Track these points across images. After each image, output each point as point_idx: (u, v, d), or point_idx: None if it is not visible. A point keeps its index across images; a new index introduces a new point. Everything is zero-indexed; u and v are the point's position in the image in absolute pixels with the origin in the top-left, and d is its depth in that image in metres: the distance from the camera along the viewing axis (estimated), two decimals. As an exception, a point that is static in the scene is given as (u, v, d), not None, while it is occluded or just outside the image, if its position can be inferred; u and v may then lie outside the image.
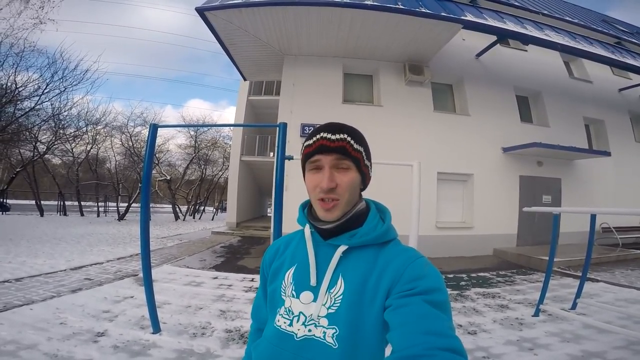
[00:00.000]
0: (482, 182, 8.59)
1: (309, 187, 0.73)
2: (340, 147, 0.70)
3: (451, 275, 5.97)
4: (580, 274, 4.16)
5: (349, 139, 0.71)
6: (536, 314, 3.81)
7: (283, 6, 6.77)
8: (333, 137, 0.70)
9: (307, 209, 0.81)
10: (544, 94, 9.84)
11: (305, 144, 0.74)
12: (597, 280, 5.60)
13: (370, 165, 0.78)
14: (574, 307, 4.01)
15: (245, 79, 11.37)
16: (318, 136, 0.72)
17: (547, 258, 4.14)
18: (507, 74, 9.59)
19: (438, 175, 8.29)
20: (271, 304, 0.79)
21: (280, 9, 6.83)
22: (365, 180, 0.77)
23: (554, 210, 3.88)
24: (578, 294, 3.99)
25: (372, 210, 0.77)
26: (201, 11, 6.87)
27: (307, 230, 0.78)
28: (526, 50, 9.91)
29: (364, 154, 0.74)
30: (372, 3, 6.66)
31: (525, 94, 9.97)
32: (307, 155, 0.73)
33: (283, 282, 0.77)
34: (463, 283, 5.48)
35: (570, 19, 10.26)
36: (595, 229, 4.05)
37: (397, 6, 6.73)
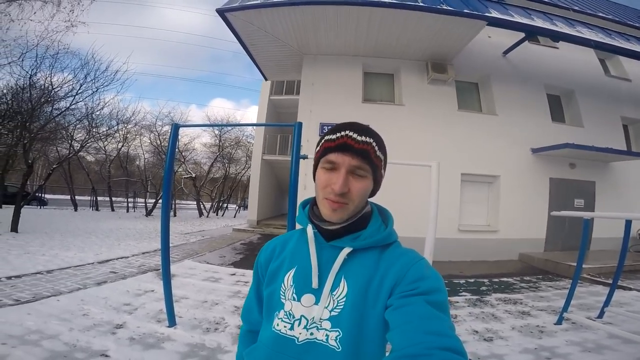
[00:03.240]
0: (509, 184, 8.28)
1: (320, 184, 0.71)
2: (364, 150, 0.67)
3: (472, 280, 5.80)
4: (611, 282, 3.93)
5: (374, 144, 0.69)
6: (559, 322, 3.64)
7: (301, 6, 6.80)
8: (359, 138, 0.68)
9: (307, 208, 0.79)
10: (578, 93, 9.37)
11: (327, 138, 0.71)
12: (630, 289, 5.29)
13: (384, 173, 0.77)
14: (601, 315, 3.81)
15: (266, 79, 11.53)
16: (343, 133, 0.69)
17: (575, 264, 3.94)
18: (537, 72, 9.21)
19: (462, 177, 8.08)
20: (268, 308, 0.77)
21: (298, 8, 6.86)
22: (377, 187, 0.75)
23: (585, 215, 3.69)
24: (607, 302, 3.78)
25: (374, 212, 0.77)
26: (222, 12, 7.02)
27: (310, 230, 0.75)
28: (557, 48, 9.47)
29: (383, 162, 0.72)
30: (390, 0, 6.55)
31: (557, 93, 9.54)
32: (327, 150, 0.70)
33: (282, 285, 0.75)
34: (484, 288, 5.31)
35: (604, 15, 9.69)
36: (630, 235, 3.82)
37: (417, 3, 6.60)
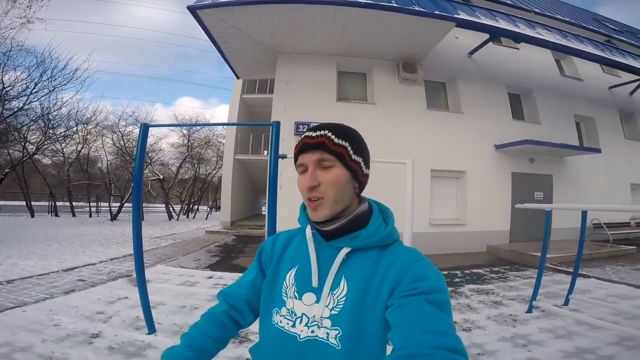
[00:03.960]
0: (475, 179, 8.66)
1: (299, 189, 0.73)
2: (319, 142, 0.70)
3: (445, 272, 6.01)
4: (572, 270, 4.21)
5: (329, 134, 0.71)
6: (529, 311, 3.85)
7: (276, 4, 6.72)
8: (314, 134, 0.72)
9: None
10: (536, 92, 9.95)
11: (295, 147, 0.75)
12: (589, 276, 5.67)
13: (364, 160, 0.75)
14: (566, 303, 4.05)
15: (238, 78, 11.32)
16: (303, 136, 0.74)
17: (539, 254, 4.19)
18: (499, 72, 9.68)
19: (431, 173, 8.35)
20: (267, 304, 0.79)
21: (273, 7, 6.78)
22: (357, 176, 0.74)
23: (546, 207, 3.91)
24: (570, 290, 4.03)
25: (374, 212, 0.77)
26: (193, 10, 6.81)
27: (309, 231, 0.77)
28: (518, 49, 10.00)
29: (348, 148, 0.71)
30: (365, 1, 6.64)
31: (517, 92, 10.07)
32: (296, 156, 0.75)
33: (284, 283, 0.76)
34: (457, 279, 5.53)
35: (561, 17, 10.38)
36: (586, 225, 4.10)
37: (391, 4, 6.74)
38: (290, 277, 0.76)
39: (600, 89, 11.25)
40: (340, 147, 0.70)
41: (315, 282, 0.72)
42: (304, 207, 0.81)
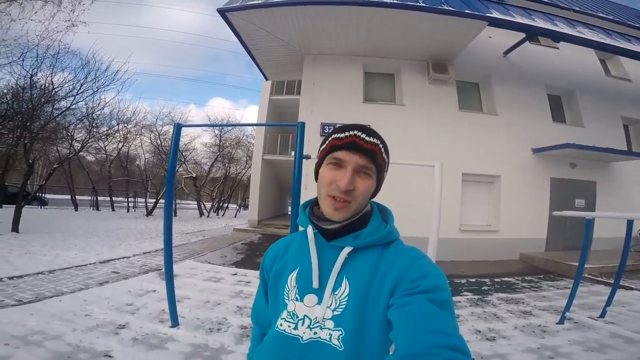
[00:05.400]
0: (510, 184, 8.29)
1: (324, 180, 0.71)
2: (372, 150, 0.70)
3: (473, 280, 5.80)
4: (612, 282, 3.93)
5: (380, 145, 0.71)
6: (561, 322, 3.64)
7: (302, 6, 6.80)
8: (367, 138, 0.70)
9: (308, 209, 0.80)
10: (579, 93, 9.38)
11: (334, 136, 0.72)
12: (631, 289, 5.30)
13: (384, 178, 0.79)
14: (603, 315, 3.81)
15: (266, 79, 11.53)
16: (351, 132, 0.70)
17: (577, 264, 3.95)
18: (537, 72, 9.22)
19: (463, 177, 8.08)
20: (273, 309, 0.79)
21: (299, 8, 6.87)
22: (377, 189, 0.77)
23: (587, 215, 3.70)
24: (608, 302, 3.78)
25: (374, 211, 0.77)
26: (222, 12, 7.02)
27: (310, 231, 0.76)
28: (558, 48, 9.47)
29: (387, 165, 0.75)
30: (391, 1, 6.55)
31: (558, 93, 9.54)
32: (334, 148, 0.71)
33: (286, 286, 0.76)
34: (485, 288, 5.31)
35: (604, 15, 9.70)
36: (631, 235, 3.82)
37: (418, 4, 6.60)
38: (291, 279, 0.76)
39: (653, 89, 10.40)
40: (384, 162, 0.73)
41: (316, 283, 0.71)
42: (304, 208, 0.81)
